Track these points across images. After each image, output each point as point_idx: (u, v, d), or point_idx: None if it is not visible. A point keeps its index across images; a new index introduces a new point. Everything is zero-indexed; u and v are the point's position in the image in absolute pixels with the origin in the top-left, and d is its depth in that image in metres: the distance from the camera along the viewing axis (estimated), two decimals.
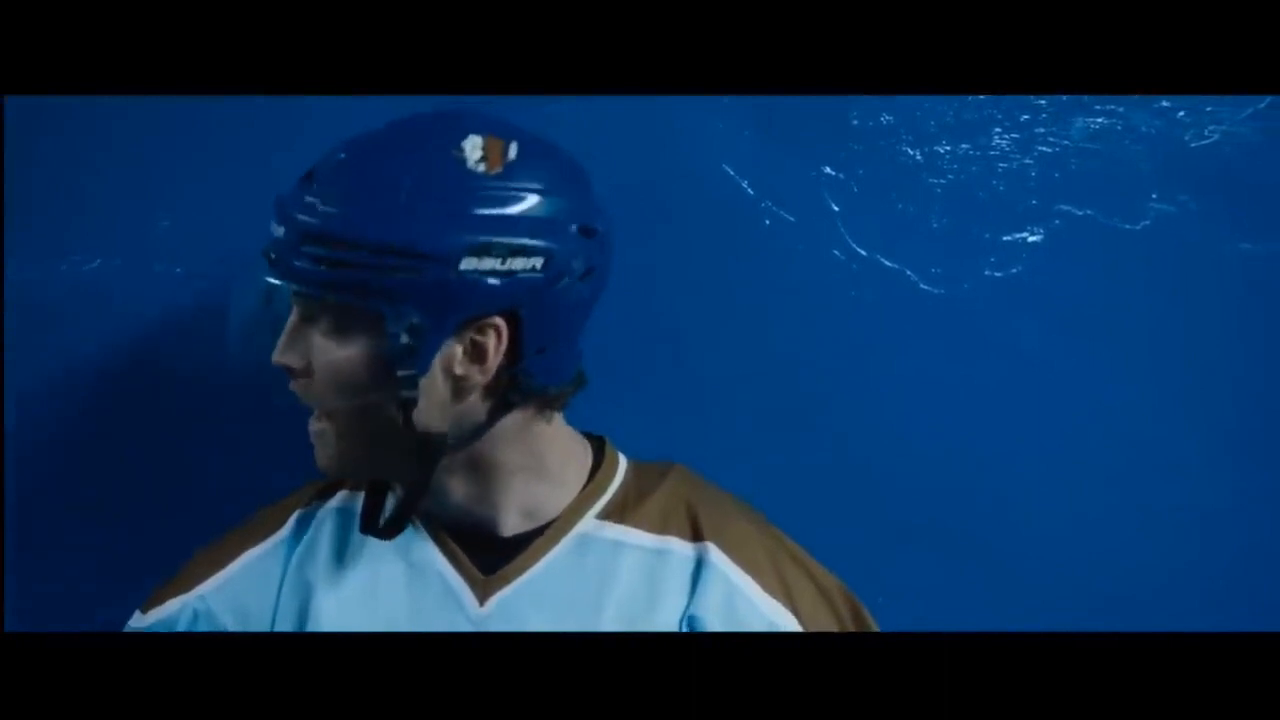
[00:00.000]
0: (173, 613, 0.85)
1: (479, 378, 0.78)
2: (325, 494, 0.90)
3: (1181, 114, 1.04)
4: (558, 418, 0.85)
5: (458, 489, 0.83)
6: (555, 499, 0.85)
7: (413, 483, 0.81)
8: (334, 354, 0.77)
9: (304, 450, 0.94)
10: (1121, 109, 1.04)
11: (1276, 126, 1.03)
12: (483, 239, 0.74)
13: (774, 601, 0.83)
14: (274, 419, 1.03)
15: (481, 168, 0.76)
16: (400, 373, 0.75)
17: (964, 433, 1.06)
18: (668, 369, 1.06)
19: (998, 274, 1.06)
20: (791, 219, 1.06)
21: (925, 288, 1.06)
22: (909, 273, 1.06)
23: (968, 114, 1.05)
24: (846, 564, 0.92)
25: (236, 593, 0.85)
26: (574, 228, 0.78)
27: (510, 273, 0.75)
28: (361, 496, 0.87)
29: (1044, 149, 1.05)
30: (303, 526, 0.87)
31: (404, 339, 0.75)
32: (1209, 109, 1.04)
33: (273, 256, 0.77)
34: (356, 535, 0.85)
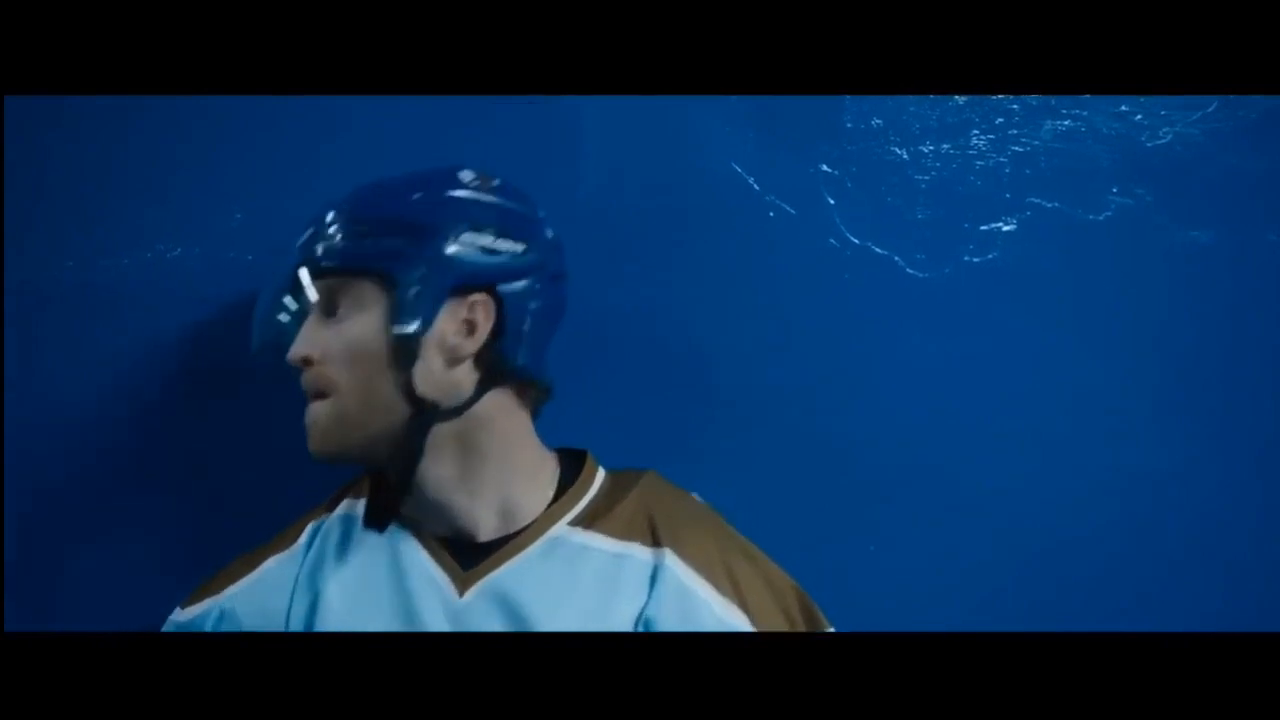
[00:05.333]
0: (203, 612, 0.95)
1: (469, 347, 0.87)
2: (333, 505, 0.98)
3: (1139, 117, 1.11)
4: (529, 424, 0.93)
5: (442, 471, 0.89)
6: (529, 503, 0.90)
7: (403, 458, 0.87)
8: (350, 330, 0.87)
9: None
10: (1085, 113, 1.11)
11: (1221, 129, 1.11)
12: (475, 217, 0.88)
13: (726, 601, 0.87)
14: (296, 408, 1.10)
15: (476, 184, 0.91)
16: (407, 329, 0.85)
17: (943, 404, 1.11)
18: (679, 346, 1.11)
19: (976, 260, 1.12)
20: (792, 211, 1.12)
21: (911, 272, 1.12)
22: (897, 259, 1.12)
23: (948, 118, 1.12)
24: (841, 537, 0.99)
25: (257, 595, 0.94)
26: (550, 233, 0.93)
27: (497, 251, 0.88)
28: (362, 502, 0.94)
29: (1016, 148, 1.12)
30: (314, 536, 0.96)
31: (412, 292, 0.86)
32: (1163, 112, 1.11)
33: (316, 249, 0.89)
34: (357, 537, 0.94)
